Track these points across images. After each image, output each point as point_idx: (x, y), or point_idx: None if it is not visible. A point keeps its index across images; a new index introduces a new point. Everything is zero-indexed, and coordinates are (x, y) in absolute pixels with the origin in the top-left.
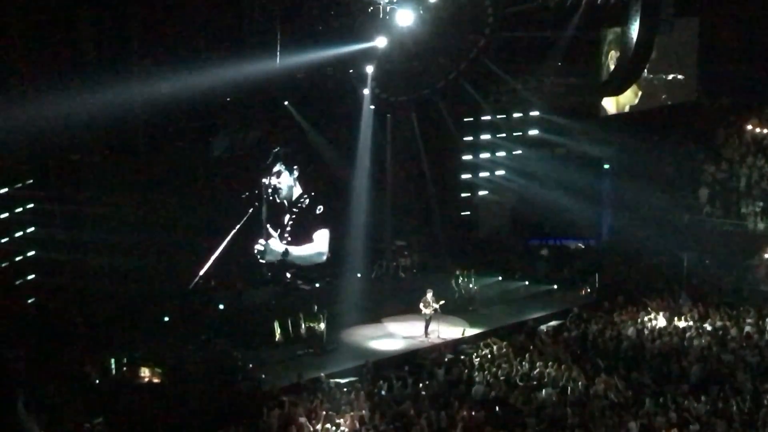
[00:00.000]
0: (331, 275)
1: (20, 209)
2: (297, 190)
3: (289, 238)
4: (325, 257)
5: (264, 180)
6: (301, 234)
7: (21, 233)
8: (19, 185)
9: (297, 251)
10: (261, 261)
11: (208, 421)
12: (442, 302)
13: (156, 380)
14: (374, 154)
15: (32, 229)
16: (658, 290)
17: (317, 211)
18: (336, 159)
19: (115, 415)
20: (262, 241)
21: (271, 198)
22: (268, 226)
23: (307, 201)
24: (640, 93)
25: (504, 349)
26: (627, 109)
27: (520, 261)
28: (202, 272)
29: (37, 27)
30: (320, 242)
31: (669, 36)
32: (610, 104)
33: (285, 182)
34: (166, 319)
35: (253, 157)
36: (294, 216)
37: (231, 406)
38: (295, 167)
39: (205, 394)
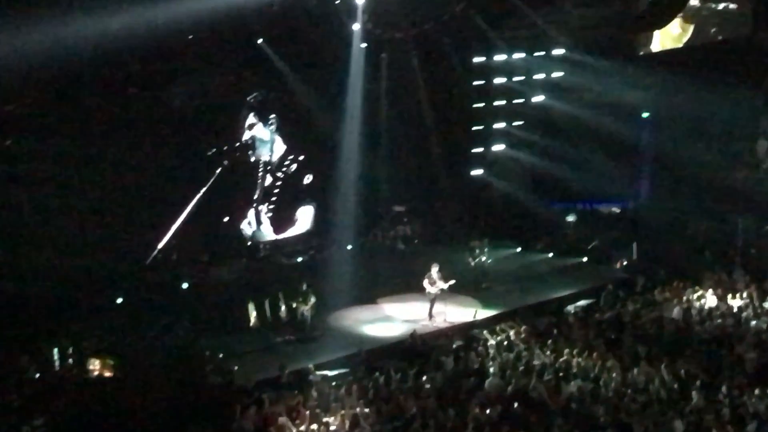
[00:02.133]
0: (316, 247)
1: None
2: (278, 147)
3: (271, 220)
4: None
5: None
6: (284, 214)
7: None
8: None
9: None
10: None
11: (171, 422)
12: (451, 281)
13: (107, 374)
14: (367, 102)
15: None
16: (708, 263)
17: (305, 181)
18: (321, 108)
19: (59, 416)
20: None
21: (243, 157)
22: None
23: (294, 167)
24: (691, 27)
25: (524, 335)
26: (671, 46)
27: (543, 229)
28: (161, 244)
29: None
30: (304, 221)
31: None
32: (651, 40)
33: (260, 135)
34: (119, 300)
35: (222, 106)
36: (278, 183)
37: (198, 404)
38: (272, 118)
39: (166, 389)
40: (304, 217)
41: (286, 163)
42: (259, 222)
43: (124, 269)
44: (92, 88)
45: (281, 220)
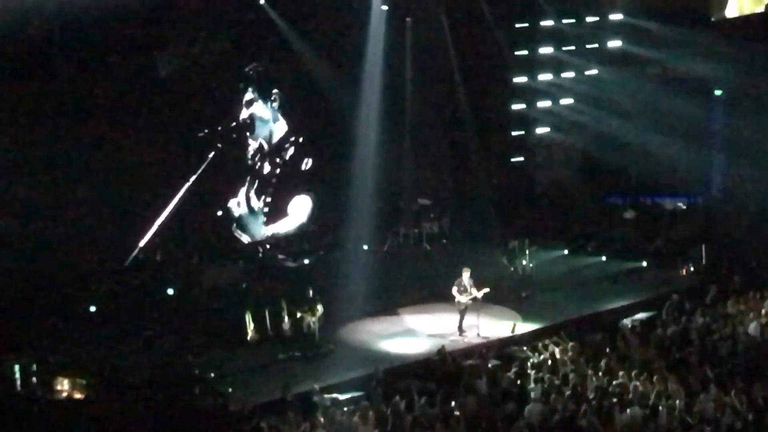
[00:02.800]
0: (326, 247)
1: None
2: (279, 128)
3: (267, 209)
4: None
5: (229, 114)
6: (278, 204)
7: None
8: None
9: (275, 228)
10: (236, 235)
11: None
12: (485, 289)
13: (79, 394)
14: (388, 75)
15: None
16: None
17: (303, 166)
18: (333, 82)
19: None
20: (238, 205)
21: (239, 140)
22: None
23: (292, 150)
24: None
25: (571, 353)
26: (750, 11)
27: (595, 227)
28: (143, 242)
29: None
30: (298, 213)
31: None
32: (726, 3)
33: (260, 114)
34: (93, 308)
35: (216, 78)
36: (278, 170)
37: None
38: (275, 92)
39: (147, 414)
40: (298, 209)
41: (287, 146)
42: (252, 211)
43: (99, 271)
44: (63, 56)
45: (275, 211)
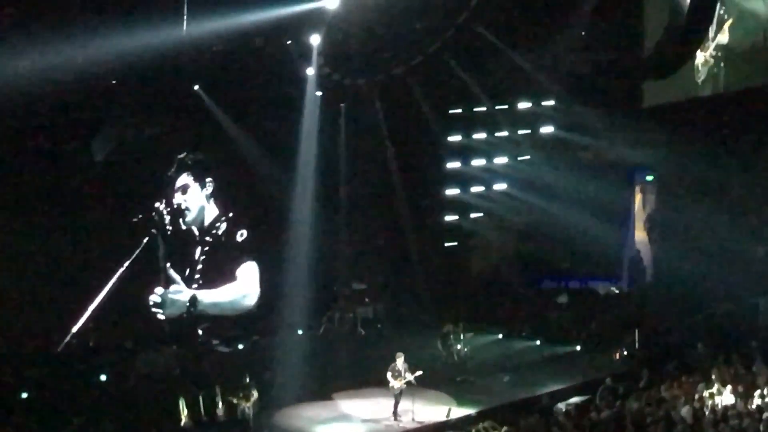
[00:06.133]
0: (261, 331)
1: None
2: (211, 212)
3: (201, 281)
4: (254, 301)
5: (162, 199)
6: (216, 272)
7: None
8: None
9: (211, 297)
10: (159, 317)
11: None
12: (419, 373)
13: None
14: (323, 159)
15: None
16: (724, 352)
17: (238, 238)
18: (268, 167)
19: None
20: (158, 289)
21: (172, 225)
22: (168, 266)
23: (225, 225)
24: (705, 74)
25: None
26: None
27: (529, 311)
28: (75, 328)
29: None
30: (246, 280)
31: None
32: (659, 90)
33: (194, 201)
34: (24, 395)
35: (149, 163)
36: (207, 249)
37: None
38: (209, 179)
39: None
40: (247, 276)
41: (219, 224)
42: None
43: (31, 357)
44: None
45: (214, 277)
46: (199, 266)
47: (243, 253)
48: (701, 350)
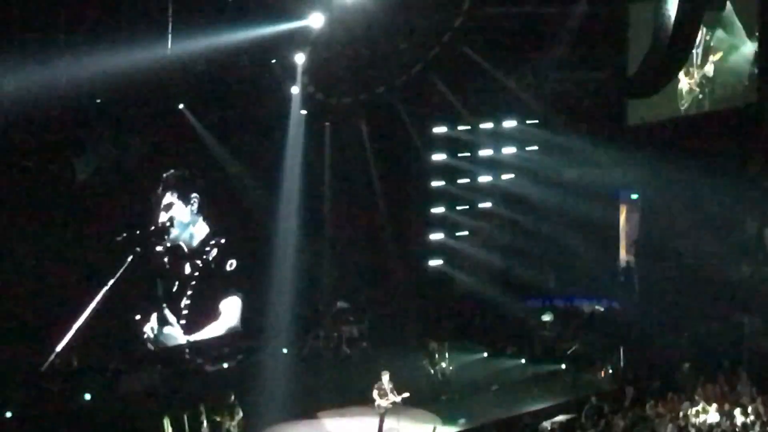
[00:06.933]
0: (246, 351)
1: None
2: (200, 229)
3: (189, 316)
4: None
5: (148, 217)
6: (204, 308)
7: None
8: None
9: (200, 337)
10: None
11: None
12: (405, 393)
13: None
14: (307, 178)
15: None
16: (708, 371)
17: (228, 267)
18: (252, 185)
19: None
20: (153, 325)
21: (158, 243)
22: (165, 306)
23: (215, 252)
24: (689, 94)
25: None
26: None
27: (514, 330)
28: (59, 347)
29: None
30: (229, 315)
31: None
32: (643, 109)
33: (179, 218)
34: (9, 414)
35: (134, 182)
36: (196, 274)
37: None
38: (194, 195)
39: None
40: (230, 310)
41: (209, 248)
42: (165, 322)
43: (14, 377)
44: None
45: (200, 315)
46: (188, 301)
47: (230, 285)
48: (686, 369)
